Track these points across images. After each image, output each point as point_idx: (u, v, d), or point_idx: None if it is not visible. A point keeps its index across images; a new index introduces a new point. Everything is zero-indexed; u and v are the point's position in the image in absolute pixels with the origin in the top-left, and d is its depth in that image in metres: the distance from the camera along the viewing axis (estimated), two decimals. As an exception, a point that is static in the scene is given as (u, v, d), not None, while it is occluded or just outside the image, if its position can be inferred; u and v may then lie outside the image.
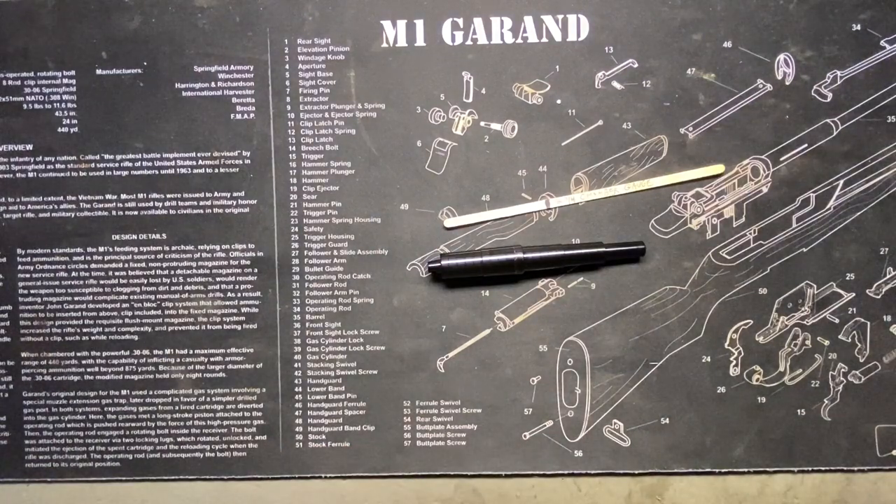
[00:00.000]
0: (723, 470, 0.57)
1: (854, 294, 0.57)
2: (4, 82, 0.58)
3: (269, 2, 0.57)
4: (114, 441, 0.59)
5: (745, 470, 0.57)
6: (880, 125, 0.56)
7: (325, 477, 0.59)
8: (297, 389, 0.58)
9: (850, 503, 0.57)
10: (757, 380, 0.57)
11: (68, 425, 0.59)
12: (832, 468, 0.57)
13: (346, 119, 0.58)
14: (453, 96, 0.57)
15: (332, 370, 0.58)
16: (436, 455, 0.58)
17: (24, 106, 0.58)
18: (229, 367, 0.58)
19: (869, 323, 0.57)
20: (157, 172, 0.58)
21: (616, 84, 0.57)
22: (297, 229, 0.58)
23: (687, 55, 0.57)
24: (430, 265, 0.56)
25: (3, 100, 0.58)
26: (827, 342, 0.57)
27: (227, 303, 0.58)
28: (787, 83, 0.57)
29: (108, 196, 0.58)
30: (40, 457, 0.59)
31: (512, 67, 0.57)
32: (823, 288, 0.57)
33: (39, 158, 0.58)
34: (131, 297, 0.58)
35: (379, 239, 0.58)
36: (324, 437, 0.58)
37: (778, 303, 0.57)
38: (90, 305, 0.58)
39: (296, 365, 0.58)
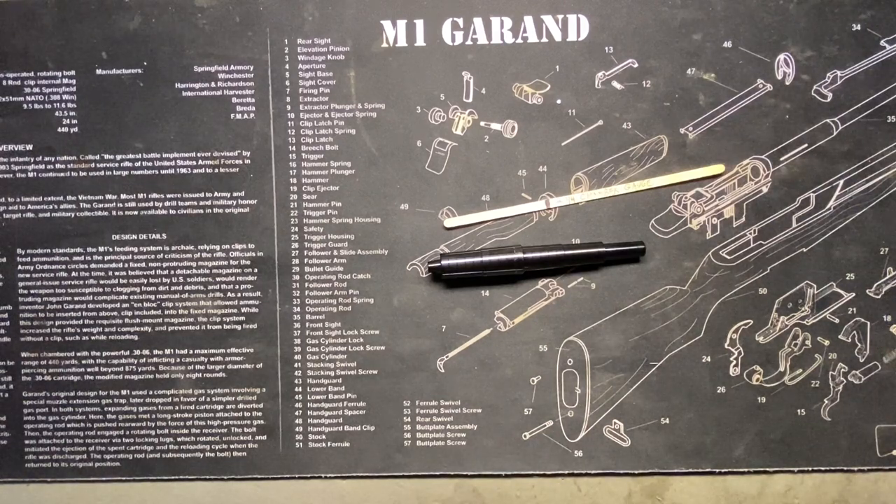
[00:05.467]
0: (723, 470, 0.57)
1: (854, 294, 0.57)
2: (4, 82, 0.58)
3: (269, 2, 0.57)
4: (114, 441, 0.59)
5: (745, 470, 0.57)
6: (880, 125, 0.56)
7: (325, 477, 0.59)
8: (297, 389, 0.58)
9: (850, 503, 0.57)
10: (757, 380, 0.57)
11: (68, 425, 0.59)
12: (832, 468, 0.57)
13: (346, 119, 0.58)
14: (453, 96, 0.57)
15: (332, 370, 0.58)
16: (436, 455, 0.58)
17: (24, 106, 0.58)
18: (229, 367, 0.58)
19: (869, 323, 0.57)
20: (157, 172, 0.58)
21: (616, 84, 0.57)
22: (297, 229, 0.58)
23: (687, 55, 0.57)
24: (430, 265, 0.56)
25: (3, 100, 0.58)
26: (827, 342, 0.57)
27: (227, 303, 0.58)
28: (787, 83, 0.57)
29: (108, 196, 0.58)
30: (40, 457, 0.59)
31: (512, 67, 0.57)
32: (823, 288, 0.57)
33: (39, 158, 0.58)
34: (131, 297, 0.58)
35: (379, 239, 0.58)
36: (324, 437, 0.58)
37: (778, 303, 0.57)
38: (90, 305, 0.58)
39: (296, 365, 0.58)
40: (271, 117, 0.58)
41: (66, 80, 0.58)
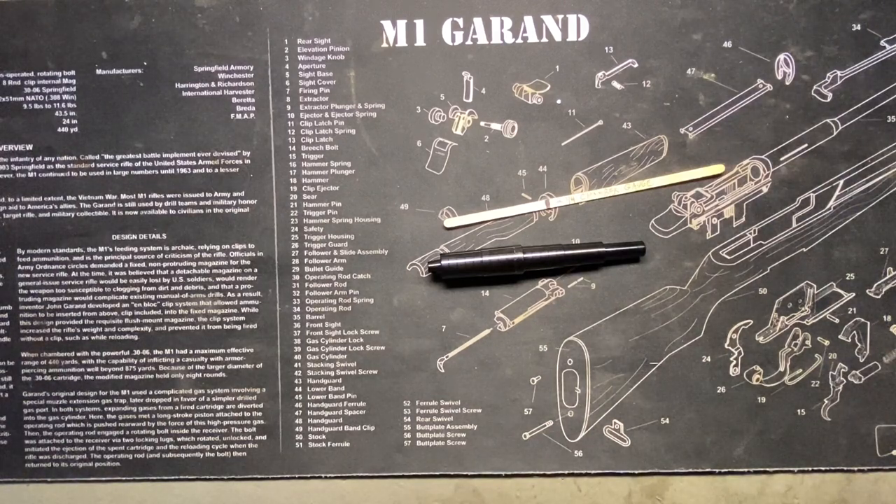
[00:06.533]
0: (723, 470, 0.57)
1: (854, 294, 0.57)
2: (4, 82, 0.58)
3: (269, 2, 0.57)
4: (114, 441, 0.59)
5: (745, 470, 0.57)
6: (880, 125, 0.56)
7: (325, 477, 0.59)
8: (297, 389, 0.58)
9: (850, 503, 0.57)
10: (757, 380, 0.57)
11: (68, 425, 0.59)
12: (832, 468, 0.57)
13: (346, 119, 0.58)
14: (453, 96, 0.57)
15: (332, 370, 0.58)
16: (436, 455, 0.58)
17: (24, 106, 0.58)
18: (229, 367, 0.58)
19: (869, 323, 0.57)
20: (157, 172, 0.58)
21: (616, 84, 0.57)
22: (297, 229, 0.58)
23: (687, 55, 0.57)
24: (430, 265, 0.56)
25: (3, 100, 0.58)
26: (827, 342, 0.57)
27: (227, 303, 0.58)
28: (787, 83, 0.57)
29: (108, 196, 0.58)
30: (40, 457, 0.59)
31: (512, 67, 0.57)
32: (823, 288, 0.57)
33: (39, 158, 0.58)
34: (131, 297, 0.58)
35: (379, 239, 0.58)
36: (324, 437, 0.58)
37: (778, 303, 0.57)
38: (90, 305, 0.58)
39: (296, 365, 0.58)
40: (271, 117, 0.58)
41: (66, 80, 0.58)
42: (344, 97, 0.58)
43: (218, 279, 0.58)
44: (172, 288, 0.58)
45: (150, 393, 0.59)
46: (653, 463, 0.58)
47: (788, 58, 0.56)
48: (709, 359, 0.57)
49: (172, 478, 0.59)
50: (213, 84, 0.58)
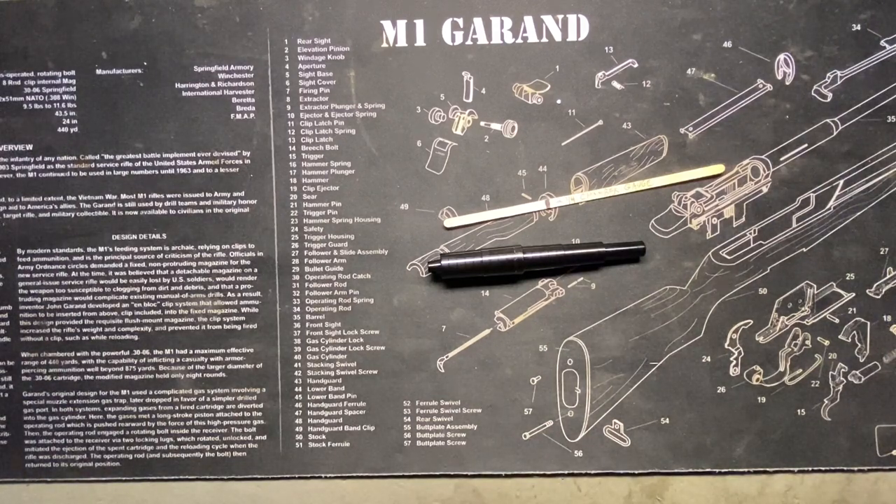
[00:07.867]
0: (723, 470, 0.57)
1: (854, 294, 0.57)
2: (4, 82, 0.58)
3: (269, 2, 0.57)
4: (114, 441, 0.59)
5: (745, 470, 0.57)
6: (880, 125, 0.56)
7: (325, 477, 0.59)
8: (297, 389, 0.58)
9: (850, 503, 0.57)
10: (757, 380, 0.57)
11: (68, 425, 0.59)
12: (832, 468, 0.57)
13: (346, 119, 0.58)
14: (453, 96, 0.57)
15: (332, 370, 0.58)
16: (436, 455, 0.58)
17: (24, 106, 0.58)
18: (229, 367, 0.58)
19: (869, 323, 0.57)
20: (157, 172, 0.58)
21: (616, 84, 0.57)
22: (297, 229, 0.58)
23: (687, 55, 0.57)
24: (430, 265, 0.56)
25: (3, 100, 0.58)
26: (827, 342, 0.57)
27: (227, 303, 0.58)
28: (787, 83, 0.57)
29: (108, 196, 0.58)
30: (40, 457, 0.59)
31: (512, 67, 0.57)
32: (823, 288, 0.57)
33: (39, 158, 0.58)
34: (131, 297, 0.58)
35: (379, 239, 0.58)
36: (324, 437, 0.58)
37: (778, 303, 0.57)
38: (90, 305, 0.58)
39: (296, 365, 0.58)
40: (271, 117, 0.58)
41: (66, 80, 0.58)
42: (344, 97, 0.58)
43: (218, 279, 0.58)
44: (172, 288, 0.58)
45: (150, 393, 0.59)
46: (653, 463, 0.58)
47: (788, 58, 0.56)
48: (709, 359, 0.57)
49: (172, 478, 0.59)
50: (213, 84, 0.58)
